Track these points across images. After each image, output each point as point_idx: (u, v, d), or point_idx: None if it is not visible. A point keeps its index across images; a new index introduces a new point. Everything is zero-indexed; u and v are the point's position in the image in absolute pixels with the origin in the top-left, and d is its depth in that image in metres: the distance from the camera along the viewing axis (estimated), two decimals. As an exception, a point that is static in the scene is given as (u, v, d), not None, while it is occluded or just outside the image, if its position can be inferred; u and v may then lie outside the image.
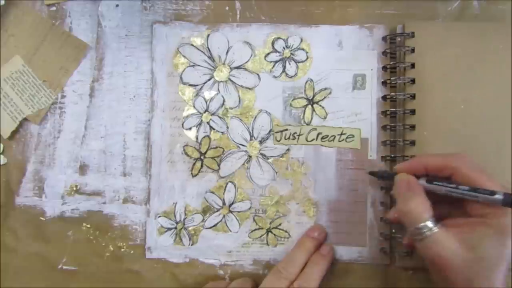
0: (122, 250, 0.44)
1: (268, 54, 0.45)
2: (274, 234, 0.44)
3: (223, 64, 0.45)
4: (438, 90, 0.42)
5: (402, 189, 0.37)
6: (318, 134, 0.44)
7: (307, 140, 0.44)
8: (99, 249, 0.44)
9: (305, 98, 0.44)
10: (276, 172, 0.44)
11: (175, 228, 0.44)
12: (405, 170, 0.38)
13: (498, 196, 0.32)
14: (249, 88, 0.45)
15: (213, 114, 0.44)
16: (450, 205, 0.37)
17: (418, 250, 0.36)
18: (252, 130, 0.44)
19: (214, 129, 0.44)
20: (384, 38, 0.44)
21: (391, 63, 0.43)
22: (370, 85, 0.44)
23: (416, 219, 0.35)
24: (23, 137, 0.45)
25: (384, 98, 0.44)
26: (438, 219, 0.35)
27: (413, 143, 0.42)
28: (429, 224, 0.34)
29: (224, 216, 0.44)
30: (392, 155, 0.43)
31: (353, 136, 0.44)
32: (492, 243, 0.33)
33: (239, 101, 0.45)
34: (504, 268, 0.33)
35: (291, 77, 0.44)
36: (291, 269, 0.40)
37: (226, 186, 0.44)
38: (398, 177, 0.38)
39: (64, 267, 0.44)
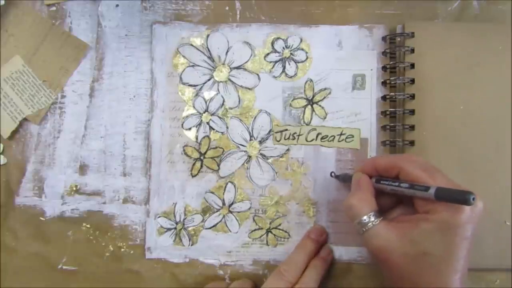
0: (122, 250, 0.44)
1: (268, 54, 0.45)
2: (274, 234, 0.44)
3: (223, 64, 0.45)
4: (437, 90, 0.42)
5: (352, 186, 0.38)
6: (318, 134, 0.44)
7: (306, 140, 0.44)
8: (99, 249, 0.44)
9: (304, 98, 0.44)
10: (276, 172, 0.44)
11: (175, 228, 0.44)
12: (362, 170, 0.39)
13: (431, 191, 0.32)
14: (249, 88, 0.45)
15: (212, 114, 0.45)
16: (408, 206, 0.37)
17: (363, 245, 0.36)
18: (252, 130, 0.44)
19: (214, 129, 0.44)
20: (384, 38, 0.44)
21: (391, 63, 0.43)
22: (370, 85, 0.44)
23: (357, 212, 0.36)
24: (23, 137, 0.45)
25: (383, 98, 0.44)
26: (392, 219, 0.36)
27: (412, 143, 0.42)
28: (371, 217, 0.35)
29: (224, 216, 0.44)
30: (392, 155, 0.43)
31: (352, 136, 0.44)
32: (434, 239, 0.33)
33: (239, 101, 0.45)
34: (456, 267, 0.32)
35: (291, 77, 0.44)
36: (292, 272, 0.40)
37: (226, 186, 0.44)
38: (354, 176, 0.39)
39: (64, 267, 0.44)
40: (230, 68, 0.45)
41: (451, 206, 0.33)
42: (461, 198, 0.31)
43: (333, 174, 0.44)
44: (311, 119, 0.44)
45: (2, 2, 0.44)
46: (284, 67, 0.45)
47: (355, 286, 0.43)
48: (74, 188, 0.45)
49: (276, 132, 0.44)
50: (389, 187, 0.36)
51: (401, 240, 0.33)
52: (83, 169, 0.45)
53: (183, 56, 0.45)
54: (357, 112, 0.44)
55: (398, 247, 0.33)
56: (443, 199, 0.32)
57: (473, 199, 0.31)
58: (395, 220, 0.36)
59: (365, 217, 0.35)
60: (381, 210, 0.36)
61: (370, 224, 0.35)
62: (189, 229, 0.44)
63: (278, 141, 0.44)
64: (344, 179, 0.42)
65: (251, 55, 0.45)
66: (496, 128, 0.42)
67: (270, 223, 0.44)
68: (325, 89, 0.44)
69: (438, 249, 0.33)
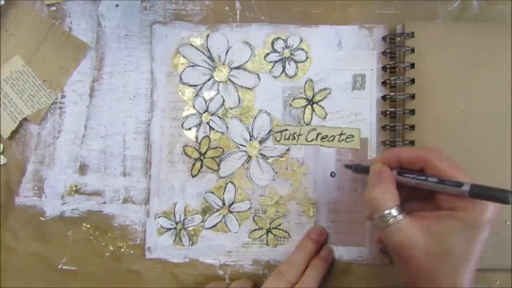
0: (122, 250, 0.44)
1: (268, 54, 0.45)
2: (274, 234, 0.44)
3: (223, 64, 0.45)
4: (437, 90, 0.42)
5: (373, 178, 0.37)
6: (318, 134, 0.44)
7: (306, 140, 0.44)
8: (99, 249, 0.44)
9: (304, 98, 0.44)
10: (276, 172, 0.44)
11: (175, 228, 0.44)
12: (380, 161, 0.38)
13: (465, 187, 0.32)
14: (249, 88, 0.45)
15: (212, 114, 0.45)
16: (424, 200, 0.36)
17: (383, 240, 0.35)
18: (252, 130, 0.44)
19: (213, 129, 0.44)
20: (384, 38, 0.44)
21: (391, 63, 0.43)
22: (370, 85, 0.44)
23: (380, 206, 0.34)
24: (23, 137, 0.45)
25: (383, 98, 0.44)
26: (410, 213, 0.35)
27: (412, 143, 0.42)
28: (394, 212, 0.34)
29: (224, 216, 0.44)
30: (392, 155, 0.43)
31: (352, 136, 0.44)
32: (458, 237, 0.32)
33: (239, 101, 0.45)
34: (471, 266, 0.32)
35: (291, 77, 0.44)
36: (292, 272, 0.40)
37: (225, 186, 0.44)
38: (372, 167, 0.37)
39: (64, 267, 0.44)
40: (230, 68, 0.45)
41: (478, 204, 0.32)
42: (500, 196, 0.30)
43: (346, 166, 0.42)
44: (311, 119, 0.44)
45: (2, 2, 0.44)
46: (284, 67, 0.45)
47: (355, 286, 0.43)
48: (74, 188, 0.45)
49: (276, 132, 0.44)
50: (414, 181, 0.35)
51: (425, 237, 0.33)
52: (83, 169, 0.45)
53: (183, 56, 0.45)
54: (357, 112, 0.44)
55: (421, 244, 0.32)
56: (478, 197, 0.31)
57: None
58: (417, 216, 0.34)
59: (387, 211, 0.34)
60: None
61: (392, 219, 0.33)
62: (189, 229, 0.44)
63: (278, 141, 0.44)
64: (358, 169, 0.41)
65: (251, 55, 0.45)
66: (496, 128, 0.42)
67: (270, 223, 0.44)
68: (325, 89, 0.44)
69: (461, 247, 0.32)
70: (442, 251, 0.32)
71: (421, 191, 0.35)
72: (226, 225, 0.44)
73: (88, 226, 0.44)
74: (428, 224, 0.33)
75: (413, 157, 0.36)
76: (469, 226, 0.32)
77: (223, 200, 0.44)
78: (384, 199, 0.34)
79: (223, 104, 0.45)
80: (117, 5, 0.45)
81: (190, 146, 0.44)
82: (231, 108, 0.45)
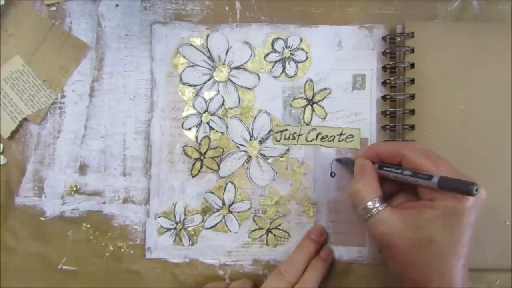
0: (122, 250, 0.44)
1: (268, 54, 0.45)
2: (274, 234, 0.44)
3: (223, 64, 0.45)
4: (437, 90, 0.42)
5: (355, 172, 0.38)
6: (318, 134, 0.44)
7: (306, 140, 0.44)
8: (99, 249, 0.44)
9: (304, 98, 0.44)
10: (276, 172, 0.44)
11: (175, 228, 0.44)
12: (365, 155, 0.39)
13: (434, 180, 0.32)
14: (249, 88, 0.45)
15: (212, 114, 0.45)
16: (410, 192, 0.37)
17: (368, 231, 0.36)
18: (252, 130, 0.44)
19: (213, 129, 0.44)
20: (384, 38, 0.44)
21: (391, 63, 0.43)
22: (370, 85, 0.44)
23: (362, 198, 0.36)
24: (23, 137, 0.45)
25: (383, 98, 0.44)
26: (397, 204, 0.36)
27: (412, 143, 0.42)
28: (376, 203, 0.35)
29: (224, 217, 0.44)
30: (392, 155, 0.43)
31: (352, 136, 0.44)
32: (439, 226, 0.33)
33: (239, 101, 0.45)
34: (459, 254, 0.32)
35: (291, 77, 0.44)
36: (293, 272, 0.40)
37: (226, 186, 0.44)
38: (356, 162, 0.39)
39: (64, 267, 0.44)
40: (230, 68, 0.45)
41: (455, 193, 0.32)
42: (464, 188, 0.31)
43: (336, 160, 0.44)
44: (311, 119, 0.44)
45: (2, 2, 0.44)
46: (284, 67, 0.45)
47: (355, 286, 0.43)
48: (74, 188, 0.45)
49: (276, 132, 0.44)
50: (392, 174, 0.36)
51: (406, 226, 0.33)
52: (83, 169, 0.45)
53: (183, 56, 0.45)
54: (357, 112, 0.44)
55: (403, 233, 0.33)
56: (446, 189, 0.32)
57: (476, 190, 0.31)
58: (400, 207, 0.36)
59: (370, 203, 0.35)
60: (384, 196, 0.36)
61: (375, 210, 0.35)
62: (189, 229, 0.44)
63: (278, 141, 0.44)
64: (346, 163, 0.42)
65: (251, 55, 0.45)
66: (496, 128, 0.42)
67: (270, 223, 0.44)
68: (325, 89, 0.44)
69: (443, 235, 0.32)
70: (425, 240, 0.33)
71: (407, 184, 0.36)
72: (226, 225, 0.44)
73: (88, 226, 0.44)
74: (409, 213, 0.34)
75: (391, 152, 0.37)
76: (449, 214, 0.33)
77: (223, 200, 0.44)
78: (365, 190, 0.36)
79: (223, 104, 0.45)
80: (117, 5, 0.45)
81: (190, 146, 0.44)
82: (231, 108, 0.45)
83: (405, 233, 0.33)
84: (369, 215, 0.35)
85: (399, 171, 0.35)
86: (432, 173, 0.33)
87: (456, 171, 0.34)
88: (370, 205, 0.35)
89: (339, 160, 0.43)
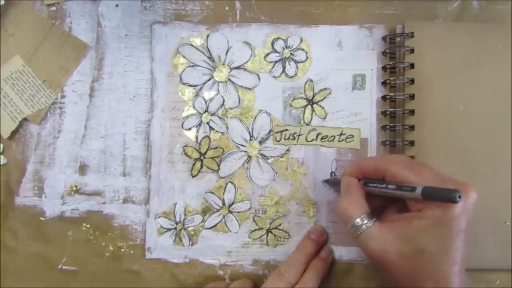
0: (122, 250, 0.44)
1: (268, 54, 0.45)
2: (274, 235, 0.44)
3: (223, 64, 0.45)
4: (437, 90, 0.42)
5: (342, 190, 0.38)
6: (318, 134, 0.44)
7: (306, 140, 0.44)
8: (99, 249, 0.44)
9: (304, 98, 0.44)
10: (276, 172, 0.44)
11: (175, 228, 0.44)
12: (350, 172, 0.39)
13: (418, 191, 0.32)
14: (249, 88, 0.45)
15: (212, 115, 0.45)
16: (399, 206, 0.37)
17: (360, 248, 0.36)
18: (252, 131, 0.44)
19: (213, 129, 0.44)
20: (383, 38, 0.44)
21: (391, 63, 0.43)
22: (370, 85, 0.44)
23: (349, 216, 0.36)
24: (23, 137, 0.45)
25: (383, 98, 0.44)
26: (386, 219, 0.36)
27: (412, 143, 0.42)
28: (364, 219, 0.35)
29: (224, 217, 0.44)
30: (392, 155, 0.43)
31: (352, 136, 0.44)
32: (429, 235, 0.32)
33: (239, 101, 0.45)
34: (453, 261, 0.32)
35: (291, 77, 0.44)
36: (293, 273, 0.40)
37: (226, 187, 0.44)
38: (342, 180, 0.39)
39: (64, 267, 0.44)
40: (230, 68, 0.45)
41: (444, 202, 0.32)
42: (447, 196, 0.31)
43: (324, 182, 0.44)
44: (311, 119, 0.44)
45: (2, 2, 0.44)
46: (284, 67, 0.45)
47: (356, 286, 0.43)
48: (74, 188, 0.45)
49: (276, 132, 0.44)
50: (377, 190, 0.36)
51: (396, 240, 0.33)
52: (83, 169, 0.45)
53: (183, 56, 0.45)
54: (357, 112, 0.44)
55: (393, 247, 0.33)
56: (430, 199, 0.32)
57: (460, 196, 0.31)
58: (388, 220, 0.35)
59: (358, 220, 0.35)
60: (374, 212, 0.36)
61: (364, 226, 0.35)
62: (189, 229, 0.44)
63: (278, 141, 0.44)
64: (333, 183, 0.43)
65: (251, 55, 0.45)
66: (496, 128, 0.42)
67: (270, 223, 0.44)
68: (325, 89, 0.44)
69: (434, 244, 0.32)
70: (416, 251, 0.33)
71: (394, 197, 0.36)
72: (226, 225, 0.44)
73: (88, 226, 0.44)
74: (398, 226, 0.34)
75: (373, 167, 0.37)
76: (438, 222, 0.32)
77: (223, 200, 0.44)
78: (352, 208, 0.36)
79: (223, 104, 0.45)
80: (117, 5, 0.45)
81: (190, 146, 0.44)
82: (231, 108, 0.45)
83: (396, 246, 0.33)
84: (359, 232, 0.35)
85: (384, 185, 0.35)
86: (415, 184, 0.33)
87: (441, 178, 0.33)
88: (358, 222, 0.35)
89: (326, 181, 0.43)
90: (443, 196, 0.31)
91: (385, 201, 0.38)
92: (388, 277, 0.36)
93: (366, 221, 0.35)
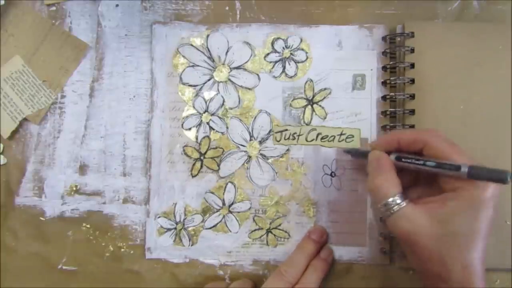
0: (122, 250, 0.44)
1: (268, 54, 0.45)
2: (274, 235, 0.44)
3: (223, 64, 0.45)
4: (437, 90, 0.42)
5: (372, 167, 0.37)
6: (318, 134, 0.44)
7: (306, 140, 0.44)
8: (99, 249, 0.44)
9: (304, 98, 0.44)
10: (276, 172, 0.44)
11: (175, 228, 0.44)
12: (379, 145, 0.38)
13: (464, 169, 0.32)
14: (249, 88, 0.45)
15: (212, 115, 0.44)
16: (428, 184, 0.36)
17: (389, 228, 0.35)
18: (252, 131, 0.44)
19: (213, 129, 0.44)
20: (384, 38, 0.44)
21: (391, 63, 0.43)
22: (370, 85, 0.44)
23: (383, 194, 0.35)
24: (23, 137, 0.45)
25: (383, 98, 0.44)
26: (416, 198, 0.35)
27: (413, 143, 0.42)
28: (397, 199, 0.34)
29: (224, 217, 0.44)
30: (392, 155, 0.43)
31: (352, 136, 0.44)
32: (463, 217, 0.32)
33: (239, 101, 0.45)
34: (480, 246, 0.32)
35: (291, 77, 0.44)
36: (293, 273, 0.40)
37: (226, 187, 0.44)
38: (370, 155, 0.38)
39: (64, 267, 0.44)
40: (230, 68, 0.45)
41: (479, 183, 0.32)
42: (498, 177, 0.31)
43: (346, 152, 0.42)
44: (311, 119, 0.44)
45: (2, 2, 0.44)
46: (284, 67, 0.45)
47: (356, 286, 0.43)
48: (74, 188, 0.45)
49: (276, 132, 0.44)
50: (413, 166, 0.35)
51: (430, 222, 0.33)
52: (83, 169, 0.45)
53: (183, 56, 0.45)
54: (357, 112, 0.44)
55: (427, 229, 0.33)
56: (477, 178, 0.32)
57: (510, 177, 0.30)
58: (422, 201, 0.34)
59: (391, 199, 0.34)
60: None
61: (396, 206, 0.34)
62: (189, 229, 0.44)
63: (278, 141, 0.44)
64: (356, 155, 0.42)
65: (251, 55, 0.45)
66: (496, 128, 0.42)
67: (270, 223, 0.44)
68: (325, 89, 0.44)
69: (466, 227, 0.32)
70: (448, 234, 0.32)
71: (423, 175, 0.35)
72: (226, 225, 0.44)
73: (88, 226, 0.44)
74: (432, 208, 0.33)
75: (412, 139, 0.36)
76: (472, 204, 0.32)
77: (223, 200, 0.44)
78: (386, 187, 0.35)
79: (223, 104, 0.45)
80: (117, 5, 0.45)
81: (190, 146, 0.44)
82: (231, 108, 0.45)
83: (430, 229, 0.33)
84: (391, 212, 0.34)
85: (421, 162, 0.34)
86: (459, 162, 0.32)
87: (473, 160, 0.33)
88: (391, 202, 0.34)
89: (348, 152, 0.42)
90: (493, 176, 0.31)
91: (412, 179, 0.37)
92: (414, 259, 0.35)
93: (399, 201, 0.34)
